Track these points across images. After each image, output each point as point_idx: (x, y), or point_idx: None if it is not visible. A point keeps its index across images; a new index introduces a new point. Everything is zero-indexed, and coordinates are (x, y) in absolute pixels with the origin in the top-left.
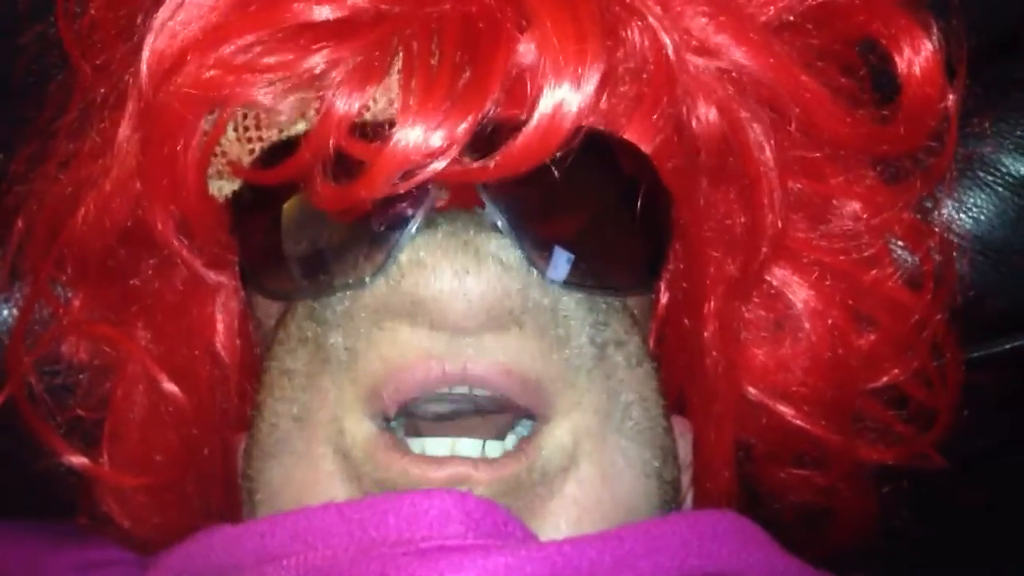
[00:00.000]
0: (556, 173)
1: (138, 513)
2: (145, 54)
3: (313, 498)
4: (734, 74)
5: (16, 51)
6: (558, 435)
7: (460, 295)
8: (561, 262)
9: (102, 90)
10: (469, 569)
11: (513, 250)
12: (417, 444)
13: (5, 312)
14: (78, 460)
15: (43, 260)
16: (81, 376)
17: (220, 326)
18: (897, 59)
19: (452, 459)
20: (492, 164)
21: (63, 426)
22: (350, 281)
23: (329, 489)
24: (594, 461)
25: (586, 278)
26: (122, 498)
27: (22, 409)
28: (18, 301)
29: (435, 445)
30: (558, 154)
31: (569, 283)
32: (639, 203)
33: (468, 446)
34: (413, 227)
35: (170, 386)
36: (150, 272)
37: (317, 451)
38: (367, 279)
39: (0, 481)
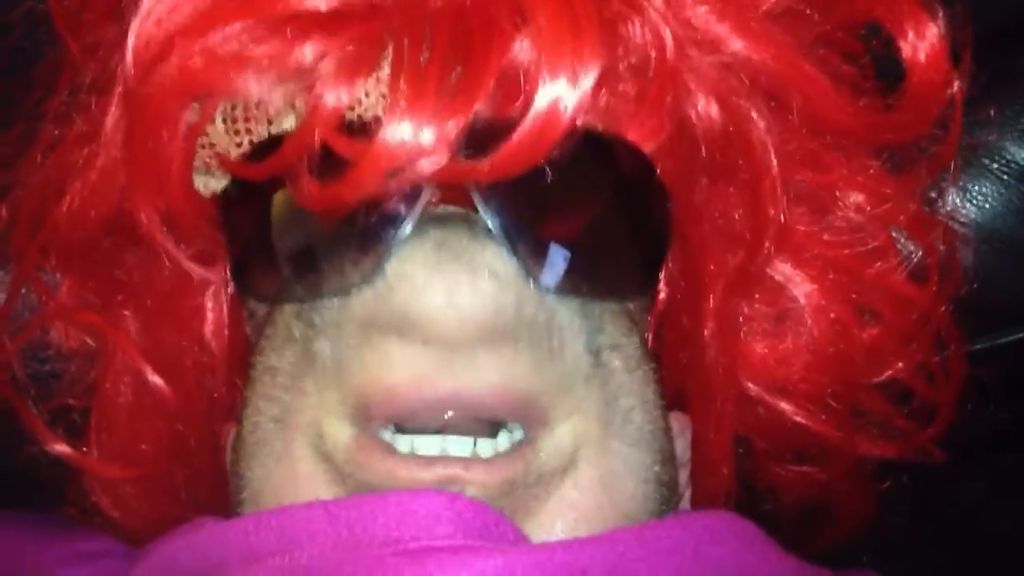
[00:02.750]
0: (552, 175)
1: (127, 504)
2: (131, 40)
3: (293, 499)
4: (735, 64)
5: (3, 28)
6: (558, 437)
7: (452, 311)
8: (556, 268)
9: (90, 72)
10: (458, 570)
11: (508, 260)
12: (405, 442)
13: None
14: (63, 449)
15: (28, 246)
16: (69, 363)
17: (209, 315)
18: (902, 44)
19: (442, 459)
20: (484, 165)
21: (50, 414)
22: (337, 288)
23: (310, 491)
24: (594, 465)
25: (582, 285)
26: (111, 488)
27: (7, 396)
28: (5, 286)
29: (425, 444)
30: (554, 155)
31: (564, 290)
32: (637, 206)
33: (458, 445)
34: (403, 232)
35: (156, 379)
36: (137, 263)
37: (296, 453)
38: (355, 287)
39: None
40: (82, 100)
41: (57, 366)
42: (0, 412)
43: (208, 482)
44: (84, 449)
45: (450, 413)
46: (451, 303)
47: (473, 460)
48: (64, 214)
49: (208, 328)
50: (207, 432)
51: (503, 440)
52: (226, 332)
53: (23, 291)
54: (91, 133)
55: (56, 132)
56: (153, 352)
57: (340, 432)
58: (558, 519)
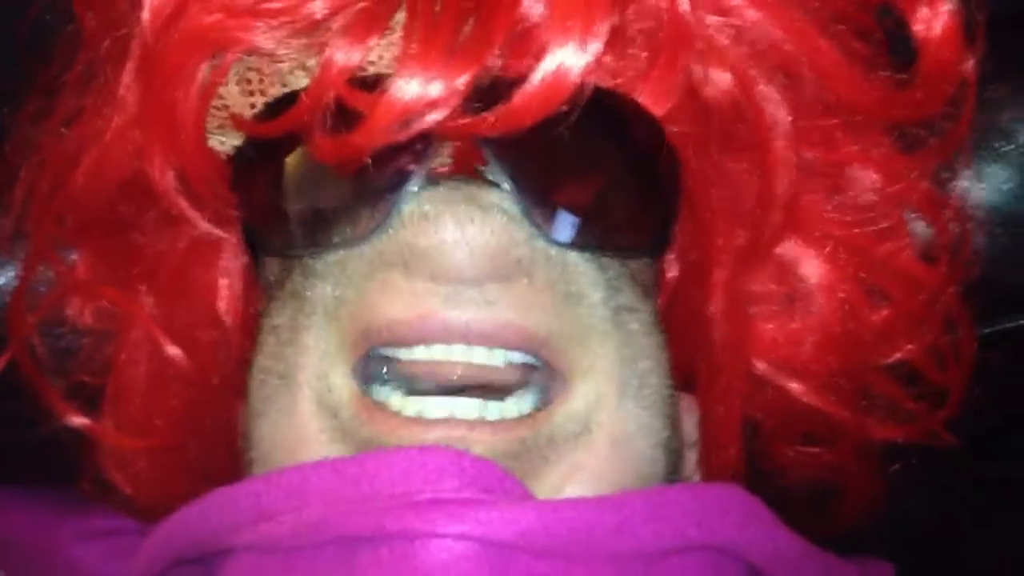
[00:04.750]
0: (562, 132)
1: (140, 479)
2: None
3: (302, 456)
4: (749, 36)
5: (22, 3)
6: (573, 403)
7: (462, 244)
8: (565, 222)
9: (107, 44)
10: (464, 521)
11: (518, 205)
12: (414, 404)
13: (11, 273)
14: (79, 421)
15: (45, 218)
16: (84, 339)
17: (223, 288)
18: (914, 22)
19: (447, 421)
20: (491, 118)
21: (66, 389)
22: (350, 236)
23: (318, 448)
24: (607, 430)
25: (591, 239)
26: (124, 464)
27: (24, 371)
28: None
29: (433, 407)
30: (563, 112)
31: (574, 243)
32: (647, 166)
33: (467, 407)
34: (415, 183)
35: (173, 350)
36: (151, 230)
37: (303, 408)
38: (368, 234)
39: (2, 444)
40: (99, 71)
41: (73, 342)
42: (13, 387)
43: (221, 459)
44: (101, 423)
45: (458, 347)
46: (461, 236)
47: (479, 423)
48: (80, 180)
49: (222, 303)
50: (221, 407)
51: (511, 405)
52: (239, 303)
53: (42, 267)
54: (108, 101)
55: (74, 104)
56: (168, 324)
57: (346, 385)
58: (568, 481)
